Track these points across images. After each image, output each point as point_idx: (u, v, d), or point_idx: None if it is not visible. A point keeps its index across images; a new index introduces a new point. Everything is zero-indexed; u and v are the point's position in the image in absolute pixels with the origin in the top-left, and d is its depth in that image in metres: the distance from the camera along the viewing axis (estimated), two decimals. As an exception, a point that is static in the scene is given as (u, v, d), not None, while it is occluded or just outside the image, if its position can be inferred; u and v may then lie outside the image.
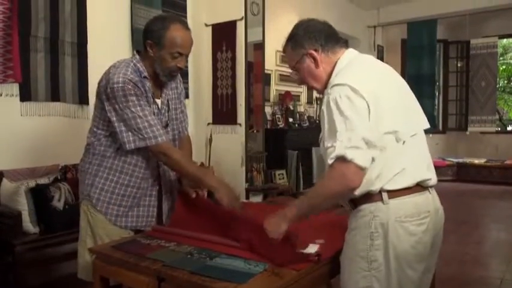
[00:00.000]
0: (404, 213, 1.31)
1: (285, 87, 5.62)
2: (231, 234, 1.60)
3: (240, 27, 4.16)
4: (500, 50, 9.44)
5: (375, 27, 7.64)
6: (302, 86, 5.96)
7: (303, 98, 6.11)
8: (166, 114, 1.85)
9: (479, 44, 7.88)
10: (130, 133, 1.67)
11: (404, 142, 1.33)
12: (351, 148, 1.22)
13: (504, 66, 10.73)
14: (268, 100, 5.31)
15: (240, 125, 4.19)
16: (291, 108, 5.51)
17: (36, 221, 2.68)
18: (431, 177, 1.38)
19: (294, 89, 5.79)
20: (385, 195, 1.31)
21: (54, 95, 3.18)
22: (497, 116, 8.86)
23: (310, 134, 5.23)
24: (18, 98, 2.98)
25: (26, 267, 2.53)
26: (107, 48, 3.55)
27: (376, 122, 1.26)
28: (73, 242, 2.77)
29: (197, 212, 1.80)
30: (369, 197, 1.33)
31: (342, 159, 1.22)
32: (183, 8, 4.25)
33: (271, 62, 5.33)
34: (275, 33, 5.20)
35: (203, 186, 1.75)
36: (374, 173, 1.29)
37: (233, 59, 4.21)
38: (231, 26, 4.20)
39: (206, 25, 4.35)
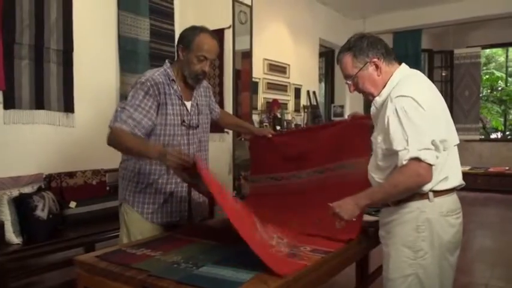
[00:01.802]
0: (446, 209, 1.54)
1: (272, 95, 5.65)
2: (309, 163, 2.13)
3: (228, 36, 4.17)
4: (483, 60, 9.62)
5: (361, 36, 7.74)
6: (289, 94, 6.02)
7: (291, 106, 6.14)
8: (197, 117, 1.99)
9: (463, 54, 8.04)
10: (116, 112, 1.80)
11: (448, 151, 1.53)
12: (423, 150, 1.41)
13: (487, 76, 10.93)
14: (256, 108, 5.32)
15: (227, 132, 4.18)
16: (279, 116, 5.53)
17: (19, 231, 2.63)
18: (463, 183, 1.61)
19: (281, 97, 5.82)
20: (431, 194, 1.51)
21: (39, 103, 3.14)
22: (480, 125, 9.01)
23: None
24: (1, 106, 2.94)
25: (8, 278, 2.47)
26: (93, 56, 3.53)
27: (433, 130, 1.46)
28: (57, 252, 2.74)
29: (275, 149, 2.23)
30: (416, 195, 1.52)
31: (416, 159, 1.41)
32: (171, 16, 4.26)
33: (259, 70, 5.35)
34: (263, 42, 5.25)
35: (147, 158, 1.81)
36: None
37: (220, 67, 4.21)
38: (218, 34, 4.19)
39: (194, 33, 4.34)
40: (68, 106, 3.32)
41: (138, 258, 1.49)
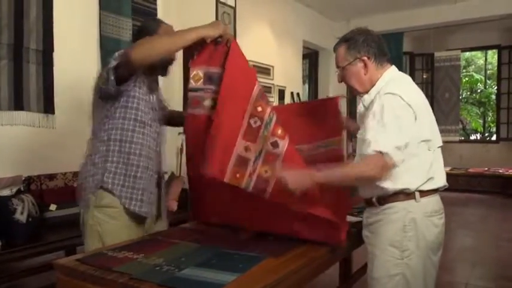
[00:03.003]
0: (431, 209, 1.57)
1: (256, 97, 5.65)
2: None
3: (211, 37, 4.16)
4: (463, 63, 9.83)
5: (344, 38, 7.81)
6: (273, 95, 6.03)
7: (275, 107, 6.16)
8: (160, 112, 1.97)
9: (443, 56, 8.18)
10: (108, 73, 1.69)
11: (434, 151, 1.57)
12: (395, 148, 1.45)
13: (467, 78, 11.17)
14: (240, 109, 5.32)
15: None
16: (263, 117, 5.54)
17: (-3, 234, 2.57)
18: (447, 184, 1.66)
19: (265, 98, 5.82)
20: (417, 194, 1.55)
21: (18, 104, 3.07)
22: (460, 126, 9.20)
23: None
24: (-21, 107, 2.88)
25: (-15, 284, 2.42)
26: (74, 56, 3.47)
27: (418, 129, 1.51)
28: (37, 255, 2.69)
29: None
30: (402, 196, 1.55)
31: (385, 154, 1.44)
32: (153, 16, 4.22)
33: (243, 71, 5.35)
34: (247, 43, 5.24)
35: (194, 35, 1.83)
36: (410, 175, 1.53)
37: (204, 68, 4.20)
38: (202, 35, 4.19)
39: (177, 34, 4.32)
40: (48, 107, 3.25)
41: (120, 261, 1.46)
